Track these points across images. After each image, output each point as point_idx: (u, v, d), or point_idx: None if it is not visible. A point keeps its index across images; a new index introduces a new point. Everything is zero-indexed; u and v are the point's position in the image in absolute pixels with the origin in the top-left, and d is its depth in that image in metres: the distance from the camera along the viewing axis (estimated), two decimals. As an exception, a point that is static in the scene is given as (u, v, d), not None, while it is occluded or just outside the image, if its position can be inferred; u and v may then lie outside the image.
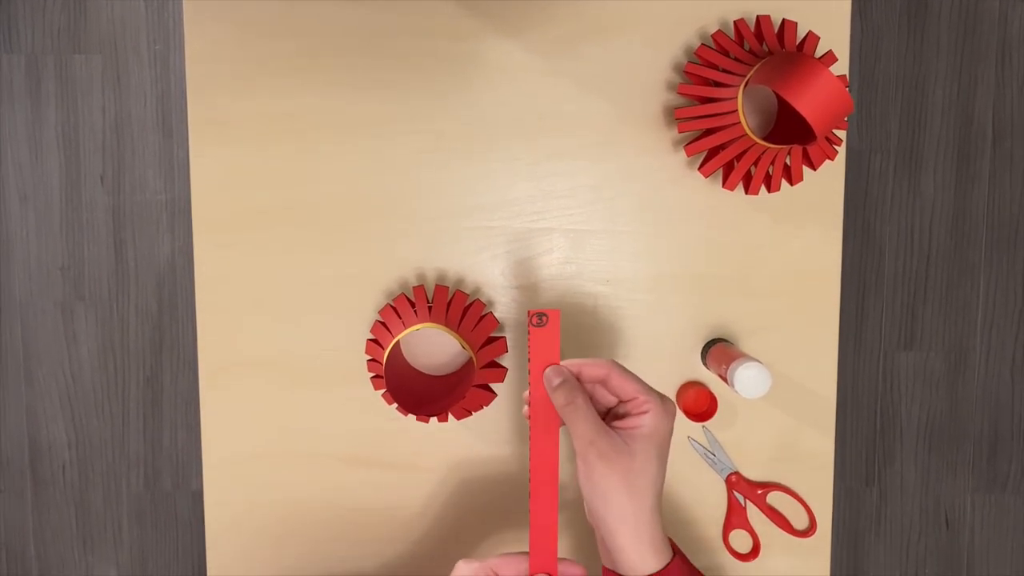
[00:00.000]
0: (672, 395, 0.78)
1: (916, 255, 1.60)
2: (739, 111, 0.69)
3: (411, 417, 0.76)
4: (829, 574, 0.81)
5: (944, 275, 1.61)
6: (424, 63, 0.76)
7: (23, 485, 1.63)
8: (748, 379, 0.67)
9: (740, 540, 0.81)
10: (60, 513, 1.64)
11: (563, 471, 0.78)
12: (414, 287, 0.74)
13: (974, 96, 1.58)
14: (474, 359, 0.72)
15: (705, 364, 0.77)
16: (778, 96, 0.74)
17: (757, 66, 0.68)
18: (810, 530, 0.80)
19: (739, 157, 0.71)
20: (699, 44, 0.75)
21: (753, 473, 0.80)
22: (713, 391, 0.78)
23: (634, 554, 0.55)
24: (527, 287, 0.78)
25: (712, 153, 0.73)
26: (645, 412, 0.56)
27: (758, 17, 0.71)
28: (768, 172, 0.72)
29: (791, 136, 0.72)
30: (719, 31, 0.73)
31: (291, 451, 0.79)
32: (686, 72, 0.73)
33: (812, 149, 0.70)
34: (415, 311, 0.73)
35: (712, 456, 0.79)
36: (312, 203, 0.77)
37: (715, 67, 0.71)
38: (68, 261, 1.60)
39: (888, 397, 1.63)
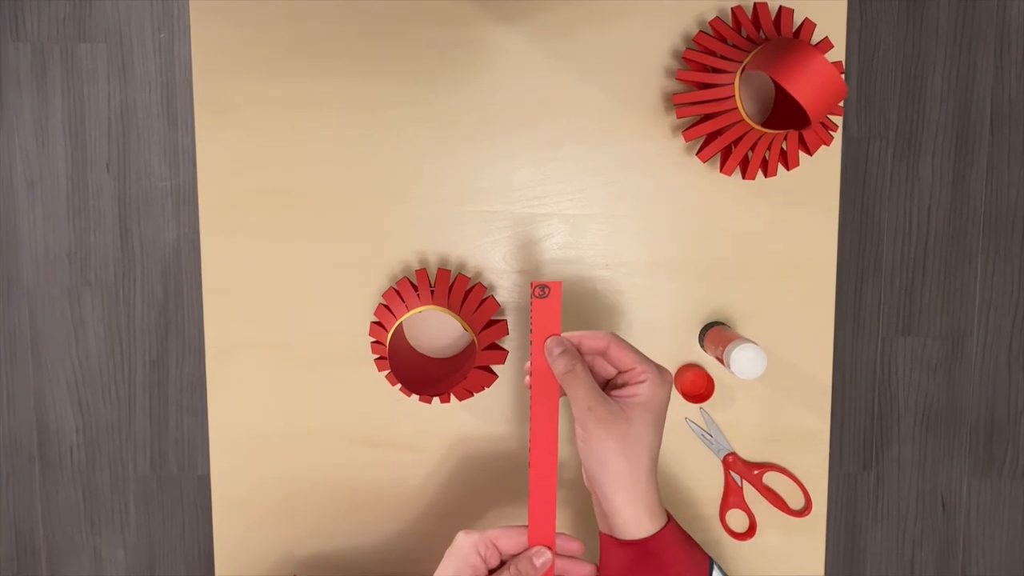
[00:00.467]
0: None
1: (914, 241, 1.61)
2: (736, 97, 0.70)
3: (414, 398, 0.77)
4: (824, 552, 0.83)
5: (942, 261, 1.61)
6: (426, 49, 0.77)
7: (31, 468, 1.65)
8: (744, 360, 0.69)
9: (737, 519, 0.82)
10: (68, 495, 1.66)
11: (563, 452, 0.80)
12: (417, 271, 0.75)
13: (973, 82, 1.59)
14: (475, 341, 0.73)
15: (702, 347, 0.78)
16: (775, 82, 0.75)
17: (754, 52, 0.69)
18: (806, 510, 0.81)
19: (736, 142, 0.72)
20: (697, 31, 0.76)
21: (749, 454, 0.81)
22: (710, 373, 0.79)
23: (630, 516, 0.57)
24: (528, 271, 0.79)
25: (710, 138, 0.74)
26: (642, 381, 0.58)
27: (755, 4, 0.72)
28: (765, 157, 0.73)
29: (788, 122, 0.73)
30: (717, 18, 0.74)
31: (296, 432, 0.80)
32: (684, 58, 0.74)
33: (808, 134, 0.71)
34: (418, 294, 0.74)
35: (709, 437, 0.81)
36: (316, 188, 0.78)
37: (713, 53, 0.72)
38: (75, 247, 1.61)
39: (886, 382, 1.64)
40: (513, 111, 0.77)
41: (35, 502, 1.66)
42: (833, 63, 0.63)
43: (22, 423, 1.64)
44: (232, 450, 0.81)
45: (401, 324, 0.74)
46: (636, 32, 0.77)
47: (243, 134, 0.78)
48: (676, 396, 0.79)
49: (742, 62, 0.69)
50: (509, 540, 0.59)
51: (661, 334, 0.80)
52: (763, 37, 0.71)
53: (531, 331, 0.59)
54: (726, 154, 0.74)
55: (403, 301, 0.74)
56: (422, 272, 0.75)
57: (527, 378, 0.61)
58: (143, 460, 1.65)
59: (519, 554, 0.59)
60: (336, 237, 0.78)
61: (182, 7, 1.58)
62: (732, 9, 0.73)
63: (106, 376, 1.63)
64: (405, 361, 0.75)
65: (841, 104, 0.70)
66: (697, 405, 0.80)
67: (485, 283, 0.79)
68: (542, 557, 0.58)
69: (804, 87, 0.62)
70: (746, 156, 0.73)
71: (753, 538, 0.81)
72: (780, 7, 0.72)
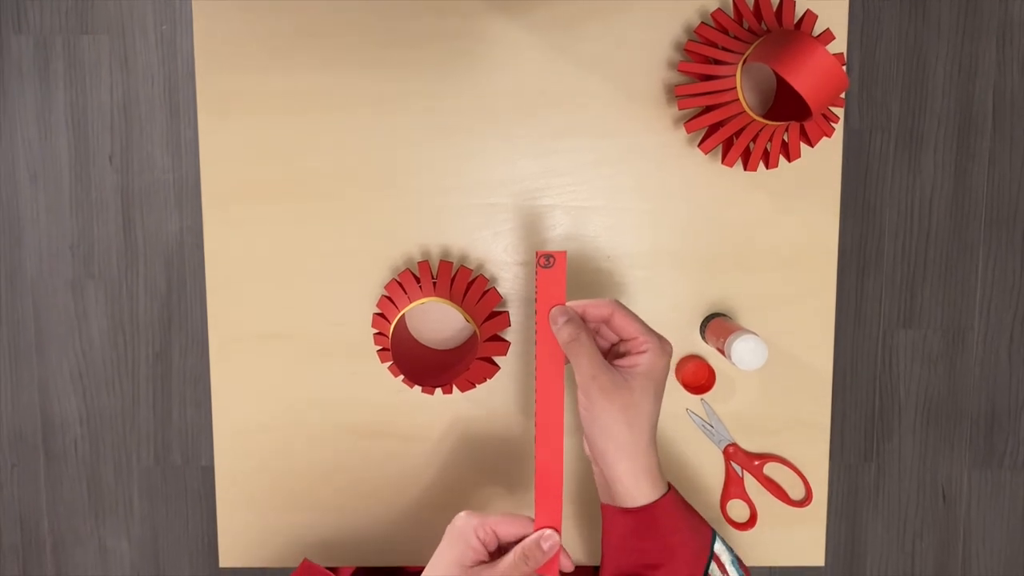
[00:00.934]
0: (671, 369, 0.80)
1: (916, 234, 1.61)
2: (738, 88, 0.70)
3: (416, 389, 0.78)
4: (825, 543, 0.83)
5: (943, 254, 1.61)
6: (428, 41, 0.77)
7: (36, 460, 1.66)
8: (745, 351, 0.69)
9: (738, 510, 0.82)
10: (72, 487, 1.67)
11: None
12: (419, 262, 0.76)
13: (975, 75, 1.59)
14: (478, 333, 0.74)
15: (704, 338, 0.79)
16: (776, 73, 0.75)
17: (755, 44, 0.69)
18: (806, 500, 0.82)
19: (738, 134, 0.72)
20: (699, 22, 0.76)
21: (750, 445, 0.81)
22: (711, 364, 0.79)
23: (631, 483, 0.58)
24: (529, 263, 0.79)
25: (712, 130, 0.74)
26: (644, 351, 0.59)
27: (757, -4, 0.72)
28: (766, 149, 0.73)
29: (789, 113, 0.73)
30: (718, 10, 0.74)
31: (299, 423, 0.81)
32: (686, 50, 0.74)
33: (809, 126, 0.71)
34: (420, 286, 0.74)
35: (710, 428, 0.81)
36: (319, 180, 0.78)
37: (714, 45, 0.72)
38: (78, 239, 1.62)
39: (887, 374, 1.64)
40: (515, 103, 0.78)
41: (40, 493, 1.67)
42: (834, 55, 0.63)
43: (26, 415, 1.65)
44: (235, 441, 0.81)
45: (404, 315, 0.74)
46: (638, 24, 0.77)
47: (245, 126, 0.78)
48: (677, 387, 0.80)
49: (744, 54, 0.70)
50: (508, 528, 0.59)
51: (662, 325, 0.79)
52: (765, 28, 0.71)
53: (536, 301, 0.60)
54: (728, 146, 0.74)
55: (405, 293, 0.74)
56: (424, 264, 0.75)
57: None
58: (147, 451, 1.66)
59: (524, 537, 0.59)
60: (338, 229, 0.79)
61: (183, -1, 1.58)
62: (734, 0, 0.73)
63: (110, 368, 1.64)
64: (407, 352, 0.76)
65: (843, 96, 0.70)
66: (698, 396, 0.80)
67: (487, 275, 0.79)
68: (549, 541, 0.58)
69: (805, 79, 0.62)
70: (747, 148, 0.73)
71: (754, 528, 0.82)
72: (782, -1, 0.72)
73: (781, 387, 0.81)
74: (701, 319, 0.80)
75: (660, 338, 0.60)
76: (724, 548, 0.61)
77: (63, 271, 1.62)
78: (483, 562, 0.58)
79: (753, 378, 0.80)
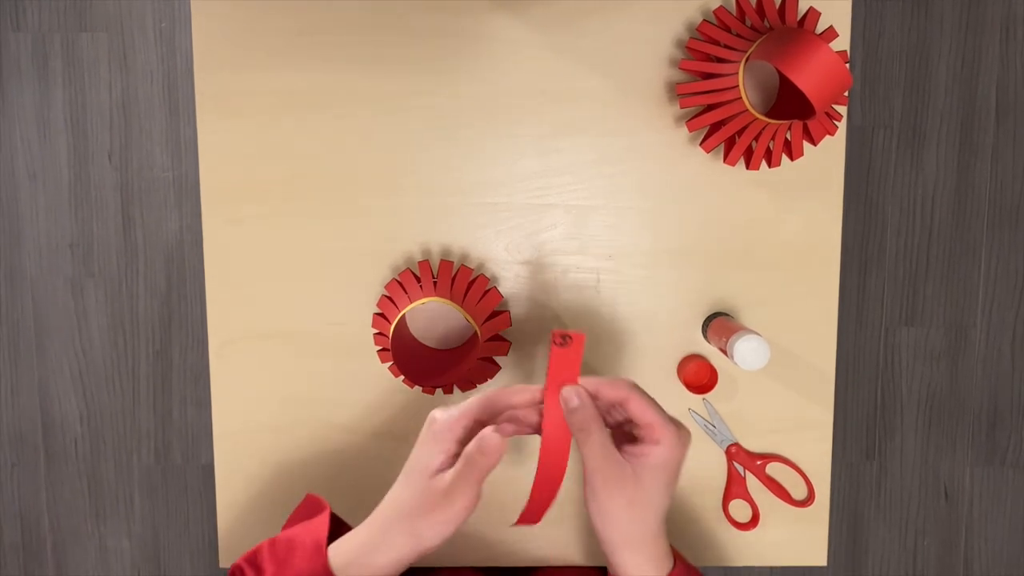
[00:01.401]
0: (673, 367, 0.80)
1: (918, 231, 1.61)
2: (740, 87, 0.70)
3: (417, 389, 0.77)
4: (827, 542, 0.83)
5: (946, 251, 1.61)
6: (428, 39, 0.76)
7: (36, 459, 1.66)
8: (747, 351, 0.69)
9: (740, 510, 0.82)
10: (73, 486, 1.67)
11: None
12: (419, 262, 0.75)
13: (978, 71, 1.58)
14: (478, 333, 0.73)
15: (706, 337, 0.78)
16: (779, 72, 0.74)
17: (758, 42, 0.68)
18: (808, 500, 0.81)
19: (740, 132, 0.72)
20: (701, 20, 0.75)
21: (752, 444, 0.81)
22: (714, 364, 0.79)
23: (634, 570, 0.57)
24: (531, 262, 0.79)
25: (713, 128, 0.73)
26: (658, 443, 0.55)
27: (759, -7, 0.71)
28: (769, 147, 0.73)
29: (792, 111, 0.72)
30: (721, 7, 0.73)
31: (300, 422, 0.81)
32: (688, 48, 0.74)
33: (812, 124, 0.71)
34: (420, 285, 0.74)
35: (712, 427, 0.81)
36: (318, 178, 0.78)
37: (716, 43, 0.72)
38: (77, 238, 1.61)
39: (889, 372, 1.64)
40: (516, 101, 0.77)
41: (40, 492, 1.67)
42: (838, 52, 0.63)
43: (26, 414, 1.65)
44: (235, 440, 0.81)
45: (404, 315, 0.74)
46: (639, 21, 0.76)
47: (245, 124, 0.77)
48: (679, 387, 0.79)
49: (746, 52, 0.69)
50: (481, 409, 0.57)
51: (664, 324, 0.79)
52: (767, 26, 0.71)
53: (547, 376, 0.56)
54: (730, 144, 0.73)
55: (406, 292, 0.74)
56: (425, 263, 0.75)
57: (500, 428, 0.57)
58: (147, 450, 1.66)
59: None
60: (339, 228, 0.78)
61: (182, -4, 1.58)
62: (736, -2, 0.73)
63: (110, 367, 1.64)
64: (408, 352, 0.75)
65: (846, 94, 0.70)
66: (700, 396, 0.80)
67: (488, 274, 0.79)
68: (488, 440, 0.55)
69: (809, 77, 0.61)
70: (750, 146, 0.73)
71: (756, 528, 0.82)
72: (784, -4, 0.71)
73: (783, 386, 0.80)
74: (703, 318, 0.80)
75: (678, 427, 0.56)
76: None
77: (63, 270, 1.62)
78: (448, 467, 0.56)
79: (755, 377, 0.80)
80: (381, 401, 0.80)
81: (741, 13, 0.73)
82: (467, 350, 0.77)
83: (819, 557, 0.82)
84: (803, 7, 0.74)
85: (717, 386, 0.79)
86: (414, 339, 0.79)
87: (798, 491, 0.82)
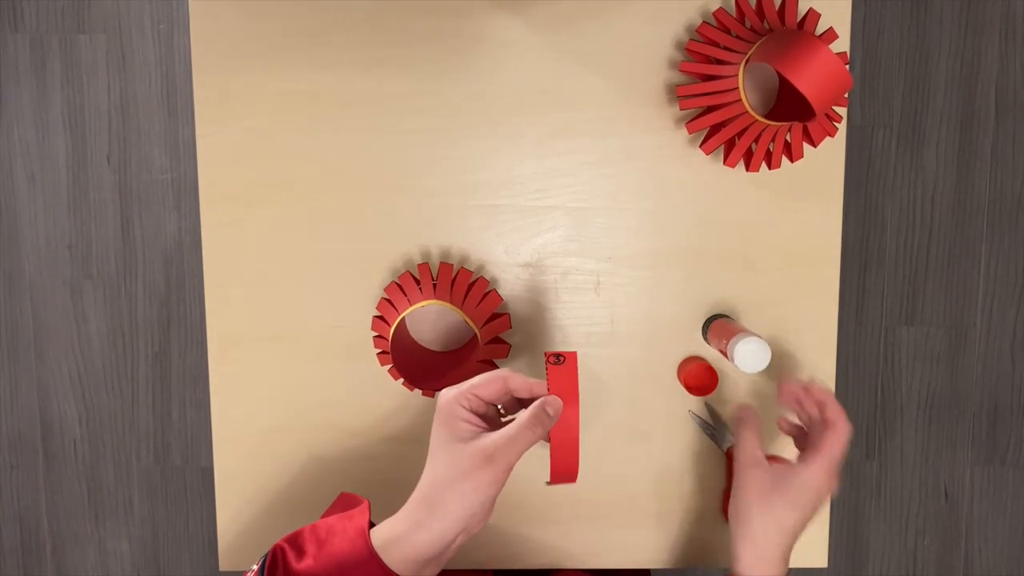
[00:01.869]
0: (673, 369, 0.80)
1: (918, 230, 1.61)
2: (740, 88, 0.69)
3: (417, 392, 0.77)
4: (828, 544, 0.83)
5: (946, 250, 1.61)
6: (427, 40, 0.76)
7: (35, 461, 1.66)
8: (747, 353, 0.68)
9: (740, 511, 0.82)
10: (72, 488, 1.66)
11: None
12: (419, 264, 0.75)
13: (977, 70, 1.58)
14: (478, 335, 0.73)
15: (706, 339, 0.78)
16: (779, 73, 0.74)
17: (758, 44, 0.68)
18: (809, 501, 0.81)
19: (740, 134, 0.71)
20: (701, 22, 0.75)
21: (753, 446, 0.81)
22: (714, 365, 0.79)
23: (748, 568, 0.67)
24: (531, 264, 0.79)
25: (713, 130, 0.73)
26: (814, 463, 0.67)
27: (759, -6, 0.71)
28: (769, 149, 0.73)
29: (792, 113, 0.72)
30: (720, 9, 0.73)
31: (299, 425, 0.80)
32: (687, 50, 0.74)
33: (812, 126, 0.71)
34: (420, 288, 0.74)
35: (712, 429, 0.81)
36: (317, 180, 0.78)
37: (716, 45, 0.72)
38: (76, 240, 1.61)
39: (889, 372, 1.64)
40: (516, 103, 0.77)
41: (40, 495, 1.67)
42: (838, 54, 0.62)
43: (25, 416, 1.65)
44: (235, 442, 0.81)
45: (404, 318, 0.74)
46: (639, 23, 0.76)
47: (243, 126, 0.77)
48: (680, 388, 0.79)
49: (746, 53, 0.69)
50: (487, 389, 0.57)
51: (664, 326, 0.79)
52: (767, 27, 0.71)
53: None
54: (729, 146, 0.73)
55: (405, 295, 0.73)
56: (424, 266, 0.74)
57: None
58: (147, 452, 1.65)
59: (506, 394, 0.58)
60: (338, 230, 0.78)
61: (181, -3, 1.58)
62: (736, -1, 0.73)
63: (109, 369, 1.64)
64: (407, 355, 0.75)
65: (846, 95, 0.70)
66: (700, 397, 0.80)
67: (488, 276, 0.79)
68: (554, 405, 0.56)
69: (809, 80, 0.61)
70: (750, 148, 0.72)
71: (757, 530, 0.81)
72: (784, -3, 0.71)
73: (784, 388, 0.80)
74: (703, 319, 0.79)
75: (833, 469, 0.67)
76: None
77: (61, 271, 1.62)
78: (483, 430, 0.57)
79: (756, 379, 0.80)
80: (381, 404, 0.80)
81: (741, 15, 0.73)
82: (467, 352, 0.77)
83: (819, 558, 0.82)
84: (803, 8, 0.73)
85: (717, 388, 0.78)
86: (414, 342, 0.79)
87: (799, 493, 0.82)
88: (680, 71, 0.75)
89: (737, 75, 0.69)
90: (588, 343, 0.80)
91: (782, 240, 0.79)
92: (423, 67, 0.77)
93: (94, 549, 1.68)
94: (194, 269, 1.62)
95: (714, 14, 0.73)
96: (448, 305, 0.72)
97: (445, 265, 0.74)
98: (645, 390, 0.80)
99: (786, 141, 0.72)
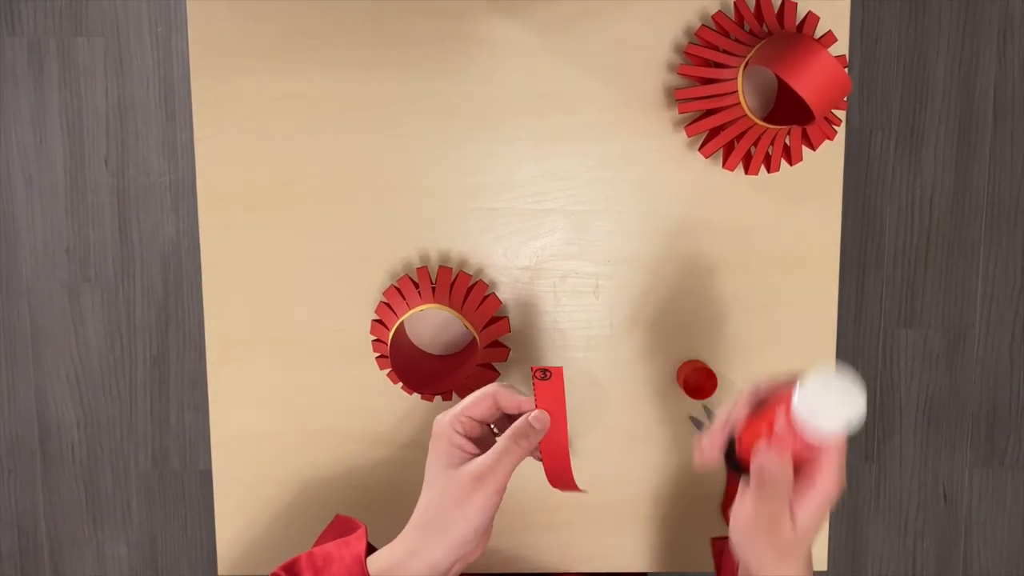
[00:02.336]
0: (672, 372, 0.80)
1: (916, 232, 1.61)
2: (739, 92, 0.69)
3: (416, 396, 0.77)
4: (827, 547, 0.83)
5: (944, 252, 1.61)
6: (426, 42, 0.76)
7: (33, 464, 1.65)
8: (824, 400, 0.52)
9: (739, 515, 0.82)
10: (70, 492, 1.66)
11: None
12: (418, 268, 0.75)
13: (976, 73, 1.58)
14: (477, 339, 0.73)
15: (733, 463, 0.62)
16: (778, 77, 0.74)
17: (757, 47, 0.68)
18: (808, 504, 0.81)
19: (739, 138, 0.71)
20: (700, 25, 0.75)
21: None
22: (712, 368, 0.79)
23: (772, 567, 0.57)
24: (530, 268, 0.79)
25: (712, 134, 0.73)
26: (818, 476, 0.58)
27: (758, -3, 0.71)
28: (768, 152, 0.73)
29: (791, 116, 0.72)
30: (719, 12, 0.73)
31: (297, 429, 0.80)
32: (686, 53, 0.74)
33: (811, 129, 0.71)
34: (419, 292, 0.73)
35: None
36: (316, 183, 0.78)
37: (715, 48, 0.72)
38: (74, 243, 1.61)
39: (888, 374, 1.64)
40: (515, 106, 0.77)
41: (37, 498, 1.66)
42: (837, 57, 0.62)
43: (23, 419, 1.64)
44: (233, 446, 0.80)
45: (402, 322, 0.73)
46: (638, 26, 0.76)
47: (241, 129, 0.77)
48: (678, 392, 0.79)
49: (745, 57, 0.69)
50: (478, 408, 0.58)
51: (663, 329, 0.79)
52: (766, 31, 0.71)
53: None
54: (728, 149, 0.73)
55: (404, 299, 0.73)
56: (423, 270, 0.74)
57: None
58: (145, 456, 1.65)
59: (495, 412, 0.58)
60: (336, 233, 0.78)
61: (178, 0, 1.57)
62: (735, 2, 0.73)
63: (107, 372, 1.63)
64: (406, 359, 0.75)
65: (845, 99, 0.70)
66: (699, 401, 0.80)
67: (487, 280, 0.79)
68: (540, 418, 0.56)
69: (808, 83, 0.61)
70: (748, 151, 0.72)
71: (756, 534, 0.81)
72: (783, 0, 0.71)
73: (783, 391, 0.80)
74: (702, 322, 0.79)
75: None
76: None
77: (59, 275, 1.61)
78: (475, 455, 0.57)
79: (755, 379, 0.80)
80: (379, 408, 0.80)
81: (740, 18, 0.73)
82: (466, 356, 0.77)
83: (819, 561, 0.82)
84: (802, 10, 0.73)
85: (716, 391, 0.78)
86: (413, 346, 0.79)
87: (798, 496, 0.81)
88: (679, 74, 0.75)
89: (736, 78, 0.69)
90: (587, 346, 0.79)
91: (781, 243, 0.79)
92: (422, 69, 0.77)
93: (92, 553, 1.67)
94: (192, 272, 1.61)
95: (713, 17, 0.73)
96: (447, 309, 0.72)
97: (444, 269, 0.74)
98: (644, 393, 0.80)
99: (785, 144, 0.72)
